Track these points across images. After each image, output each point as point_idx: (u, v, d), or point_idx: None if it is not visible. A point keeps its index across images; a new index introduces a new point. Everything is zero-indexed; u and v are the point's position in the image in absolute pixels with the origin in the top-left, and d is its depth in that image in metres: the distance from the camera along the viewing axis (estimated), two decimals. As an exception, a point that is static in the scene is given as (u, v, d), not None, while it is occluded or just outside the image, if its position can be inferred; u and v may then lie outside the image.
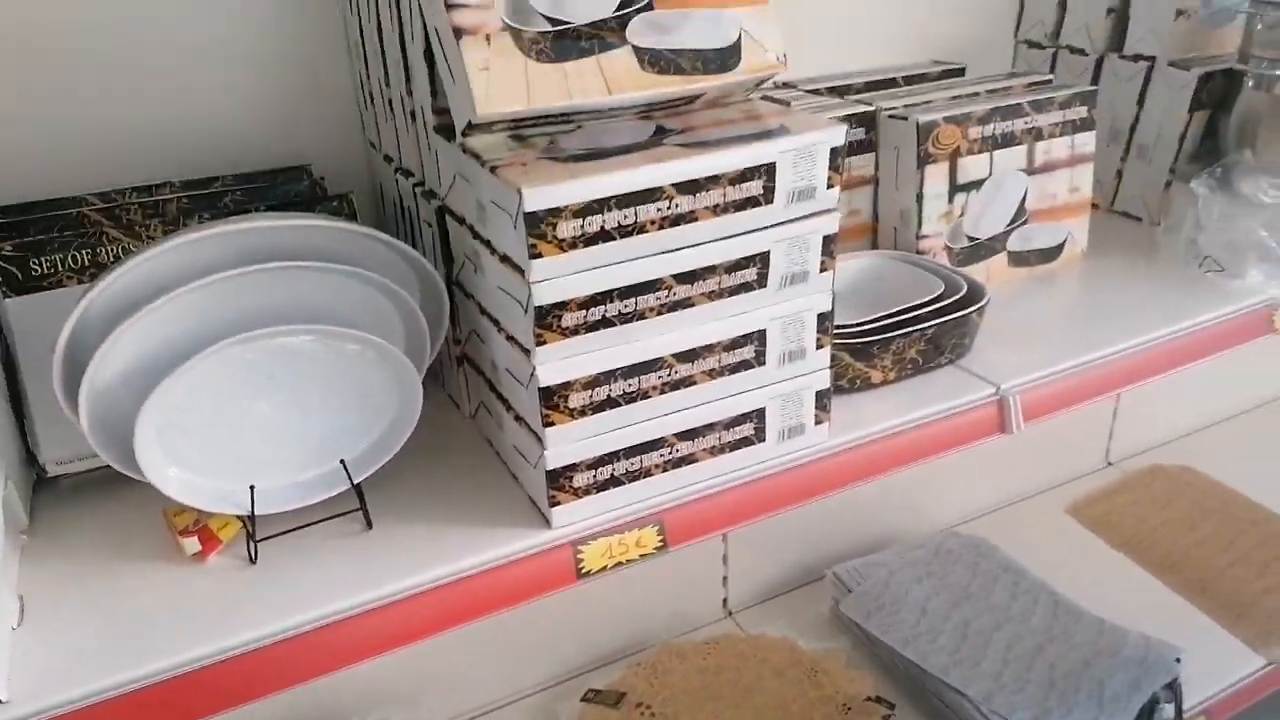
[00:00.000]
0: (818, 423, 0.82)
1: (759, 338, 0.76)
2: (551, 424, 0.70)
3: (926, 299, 0.92)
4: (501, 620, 0.68)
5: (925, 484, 1.54)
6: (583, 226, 0.64)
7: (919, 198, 1.05)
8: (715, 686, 1.31)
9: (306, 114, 1.00)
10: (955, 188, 1.06)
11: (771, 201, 0.71)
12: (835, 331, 0.88)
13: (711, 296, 0.72)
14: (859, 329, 0.88)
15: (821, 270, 0.76)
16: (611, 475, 0.74)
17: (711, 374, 0.75)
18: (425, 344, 0.76)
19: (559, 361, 0.68)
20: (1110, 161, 1.29)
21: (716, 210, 0.69)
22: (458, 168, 0.73)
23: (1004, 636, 1.33)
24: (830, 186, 0.73)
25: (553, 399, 0.69)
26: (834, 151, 0.72)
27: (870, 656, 1.35)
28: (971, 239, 1.09)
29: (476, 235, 0.73)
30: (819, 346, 0.79)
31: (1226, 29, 1.21)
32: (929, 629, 1.35)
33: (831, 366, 0.88)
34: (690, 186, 0.67)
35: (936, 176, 1.05)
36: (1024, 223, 1.12)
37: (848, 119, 1.05)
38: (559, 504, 0.72)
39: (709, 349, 0.74)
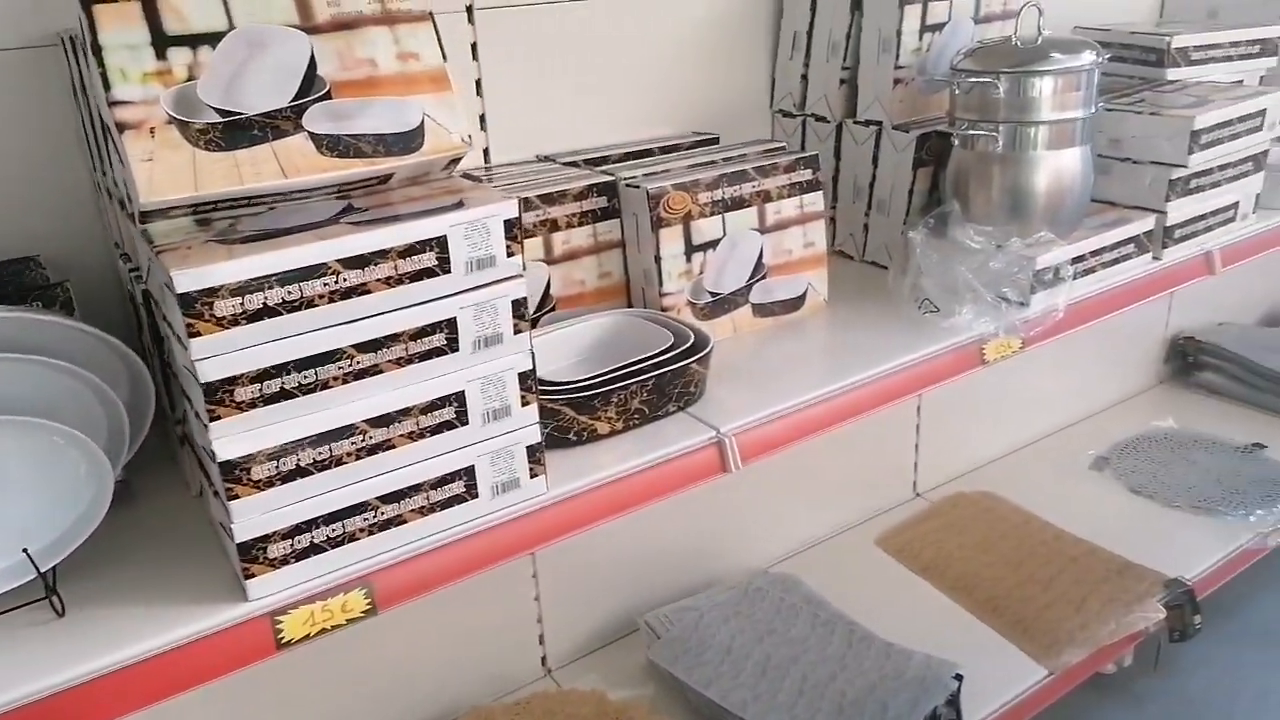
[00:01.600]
0: (533, 475, 0.86)
1: (458, 399, 0.80)
2: (236, 497, 0.71)
3: (650, 353, 0.98)
4: (306, 684, 0.68)
5: (741, 527, 1.61)
6: (243, 304, 0.67)
7: (657, 259, 1.12)
8: (518, 754, 1.32)
9: (42, 206, 1.00)
10: (691, 248, 1.14)
11: (449, 271, 0.75)
12: (559, 387, 0.93)
13: (400, 363, 0.76)
14: (579, 384, 0.93)
15: (516, 332, 0.81)
16: (311, 543, 0.75)
17: (411, 436, 0.78)
18: (124, 431, 0.77)
19: (238, 435, 0.70)
20: (857, 216, 1.40)
21: (390, 282, 0.73)
22: (145, 252, 0.76)
23: (800, 669, 1.39)
24: (511, 255, 0.78)
25: (234, 472, 0.71)
26: (509, 224, 0.77)
27: (680, 700, 1.39)
28: (714, 294, 1.17)
29: (164, 317, 0.75)
30: (525, 404, 0.84)
31: (942, 93, 1.34)
32: (731, 667, 1.40)
33: (555, 421, 0.93)
34: (357, 261, 0.71)
35: (672, 238, 1.12)
36: (763, 277, 1.20)
37: (590, 188, 1.12)
38: (253, 576, 0.74)
39: (404, 413, 0.77)
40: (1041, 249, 1.19)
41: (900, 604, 1.56)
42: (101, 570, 0.78)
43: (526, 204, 1.08)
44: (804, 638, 1.46)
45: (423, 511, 0.80)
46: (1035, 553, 1.66)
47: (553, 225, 1.10)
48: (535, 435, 0.85)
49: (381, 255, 0.72)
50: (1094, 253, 1.27)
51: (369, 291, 0.72)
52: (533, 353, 0.83)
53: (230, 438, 0.70)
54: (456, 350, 0.78)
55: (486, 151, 1.25)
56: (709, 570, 1.61)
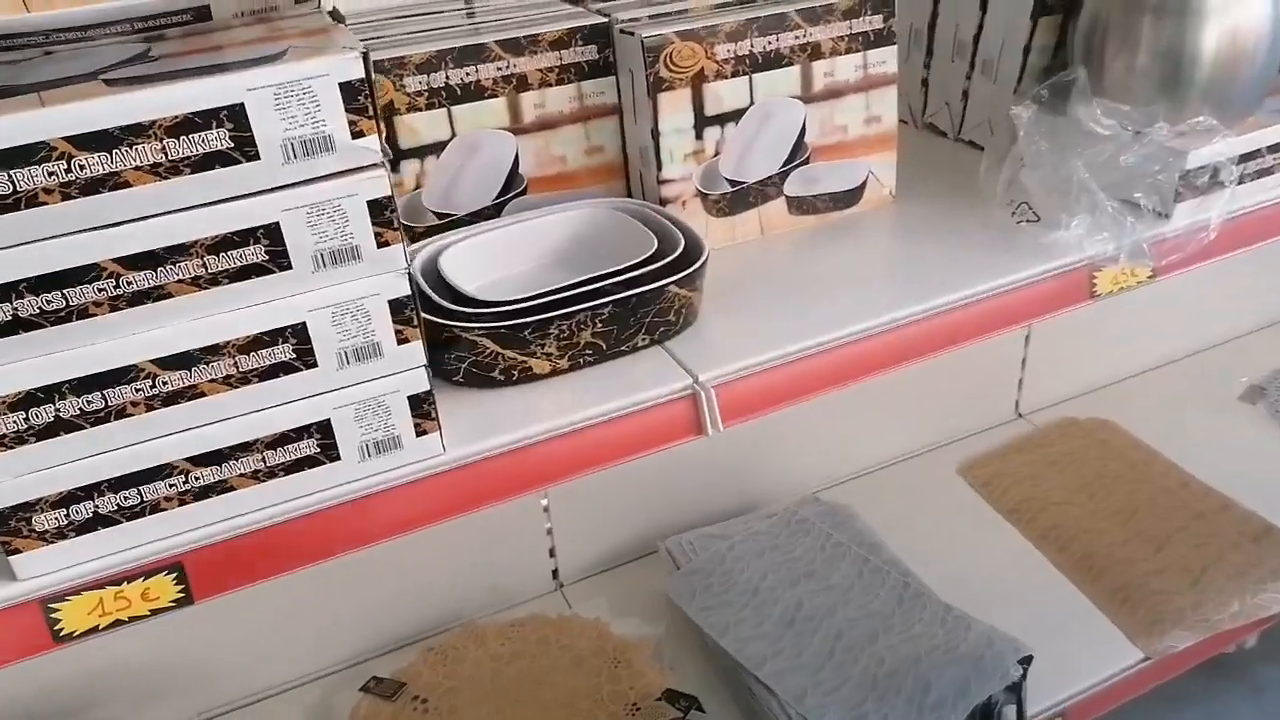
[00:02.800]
0: (421, 433, 0.64)
1: (296, 334, 0.58)
2: (-31, 451, 0.53)
3: (612, 268, 0.73)
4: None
5: (792, 439, 1.37)
6: (-80, 199, 0.47)
7: (655, 133, 0.84)
8: (504, 678, 1.17)
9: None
10: (704, 119, 0.85)
11: (255, 156, 0.52)
12: (481, 312, 0.70)
13: (199, 284, 0.54)
14: (499, 311, 0.70)
15: (381, 244, 0.58)
16: (95, 514, 0.57)
17: (229, 382, 0.58)
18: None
19: (-41, 375, 0.52)
20: (957, 79, 1.07)
21: (159, 171, 0.50)
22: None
23: (836, 623, 1.17)
24: (358, 135, 0.54)
25: (-38, 425, 0.52)
26: (349, 89, 0.53)
27: (693, 641, 1.21)
28: (734, 182, 0.89)
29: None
30: (403, 340, 0.61)
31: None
32: (755, 613, 1.20)
33: (474, 355, 0.70)
34: (98, 139, 0.49)
35: (676, 106, 0.84)
36: (805, 161, 0.91)
37: (573, 33, 0.85)
38: (18, 552, 0.56)
39: (212, 351, 0.56)
40: (1198, 139, 0.84)
41: (974, 551, 1.30)
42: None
43: (481, 52, 0.82)
44: (847, 586, 1.24)
45: (257, 477, 0.61)
46: (1153, 502, 1.35)
47: (520, 83, 0.84)
48: (421, 382, 0.63)
49: (137, 131, 0.49)
50: (1274, 148, 0.91)
51: (127, 184, 0.50)
52: (410, 274, 0.60)
53: (-51, 378, 0.51)
54: (287, 268, 0.56)
55: (465, -19, 0.98)
56: (749, 491, 1.39)
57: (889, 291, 0.82)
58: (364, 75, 0.53)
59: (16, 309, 0.51)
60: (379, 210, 0.57)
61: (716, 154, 0.87)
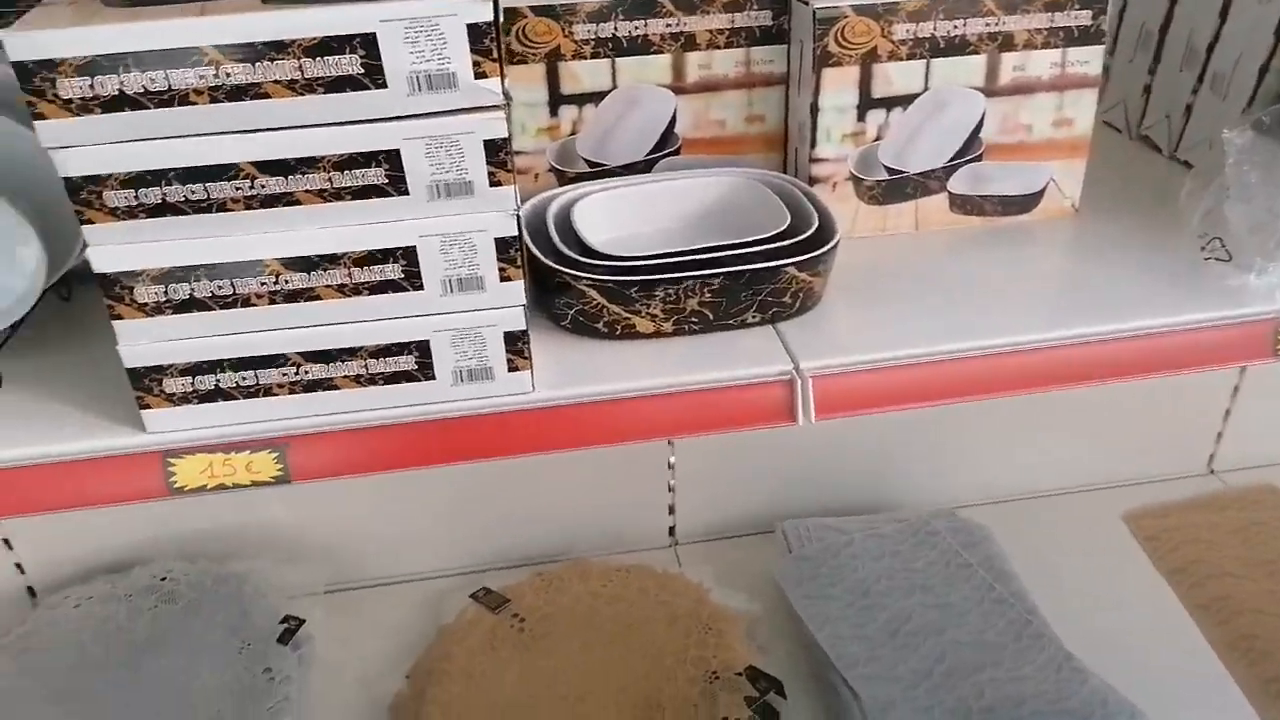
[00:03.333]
0: (513, 369, 0.67)
1: (406, 256, 0.62)
2: (120, 317, 0.61)
3: (735, 240, 0.72)
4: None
5: (951, 445, 1.31)
6: (92, 87, 0.53)
7: (814, 109, 0.81)
8: (601, 617, 1.21)
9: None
10: (869, 101, 0.82)
11: (382, 84, 0.55)
12: (593, 263, 0.71)
13: (323, 196, 0.59)
14: (616, 266, 0.70)
15: (494, 184, 0.60)
16: (217, 386, 0.64)
17: (343, 290, 0.62)
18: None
19: (114, 247, 0.58)
20: (1181, 92, 0.95)
21: (295, 87, 0.55)
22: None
23: (943, 644, 1.12)
24: (482, 76, 0.56)
25: (115, 289, 0.60)
26: (476, 31, 0.55)
27: (789, 629, 1.20)
28: (892, 170, 0.85)
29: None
30: (505, 279, 0.64)
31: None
32: (859, 615, 1.17)
33: (582, 304, 0.72)
34: (246, 51, 0.53)
35: (840, 84, 0.81)
36: (977, 158, 0.85)
37: (751, -5, 0.83)
38: (149, 408, 0.64)
39: (331, 260, 0.61)
40: None
41: (1118, 606, 1.19)
42: (40, 363, 0.74)
43: (653, 8, 0.82)
44: (964, 609, 1.17)
45: (360, 381, 0.66)
46: (1347, 601, 1.19)
47: (689, 42, 0.84)
48: (518, 320, 0.65)
49: (279, 48, 0.53)
50: None
51: (266, 95, 0.55)
52: (519, 216, 0.62)
53: (106, 248, 0.59)
54: (404, 193, 0.60)
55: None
56: (883, 491, 1.34)
57: (1034, 309, 0.76)
58: (492, 18, 0.55)
59: (165, 194, 0.57)
60: (495, 150, 0.59)
61: (878, 138, 0.83)
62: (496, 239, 0.62)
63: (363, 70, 0.55)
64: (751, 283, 0.72)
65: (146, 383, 0.63)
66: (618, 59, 0.83)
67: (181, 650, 1.08)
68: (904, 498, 1.35)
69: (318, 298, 0.62)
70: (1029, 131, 0.85)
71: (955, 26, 0.80)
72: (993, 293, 0.79)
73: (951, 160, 0.85)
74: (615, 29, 0.82)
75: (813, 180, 0.84)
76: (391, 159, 0.58)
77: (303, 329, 0.63)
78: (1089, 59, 0.82)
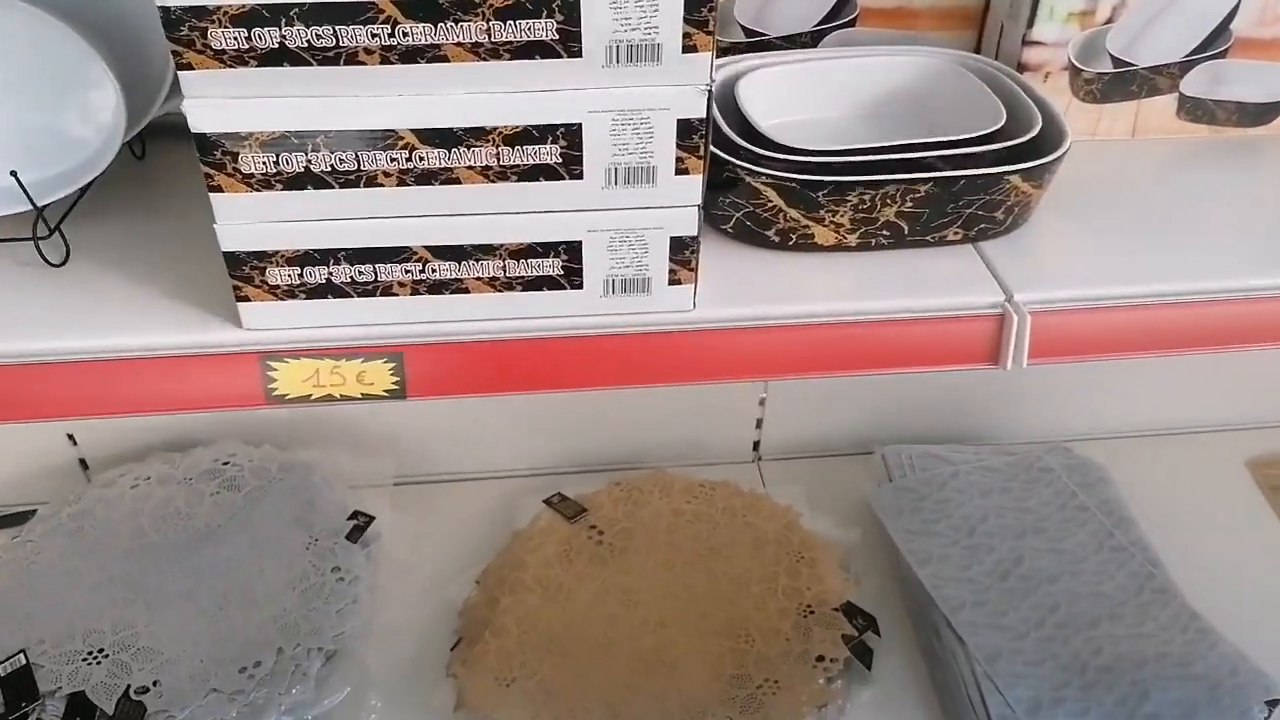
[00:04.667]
0: (674, 281, 0.55)
1: (567, 134, 0.49)
2: (219, 189, 0.49)
3: (945, 138, 0.59)
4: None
5: (1065, 375, 1.18)
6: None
7: (1039, -22, 0.67)
8: (681, 535, 1.13)
9: None
10: (1108, -27, 0.67)
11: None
12: (774, 157, 0.59)
13: (476, 52, 0.46)
14: (804, 161, 0.58)
15: (687, 49, 0.47)
16: (329, 280, 0.53)
17: (487, 174, 0.50)
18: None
19: (216, 100, 0.47)
20: None
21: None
22: None
23: (1057, 593, 1.03)
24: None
25: (214, 153, 0.48)
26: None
27: (885, 563, 1.12)
28: (1119, 61, 0.70)
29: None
30: (682, 170, 0.51)
31: None
32: (965, 554, 1.08)
33: (752, 204, 0.60)
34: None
35: (1078, -52, 0.66)
36: (1221, 54, 0.70)
37: None
38: (247, 300, 0.53)
39: (477, 134, 0.49)
40: None
41: (1245, 562, 1.10)
42: (113, 232, 0.63)
43: None
44: (1080, 556, 1.08)
45: (496, 285, 0.54)
46: None
47: (886, -116, 0.68)
48: (690, 223, 0.53)
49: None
50: None
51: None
52: (711, 92, 0.49)
53: (206, 100, 0.47)
54: (576, 55, 0.47)
55: None
56: (991, 421, 1.23)
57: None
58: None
59: (285, 36, 0.45)
60: (698, 7, 0.46)
61: (1109, 20, 0.68)
62: (679, 120, 0.50)
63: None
64: (965, 191, 0.59)
65: (247, 271, 0.52)
66: (799, -97, 0.69)
67: (244, 541, 1.01)
68: (1013, 427, 1.24)
69: (456, 180, 0.50)
70: (1291, 25, 0.70)
71: (1233, -118, 0.64)
72: (1228, 223, 0.66)
73: (1191, 54, 0.70)
74: None
75: (1022, 67, 0.70)
76: (566, 6, 0.45)
77: (434, 217, 0.51)
78: (1388, -64, 0.66)
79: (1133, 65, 0.70)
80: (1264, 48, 0.70)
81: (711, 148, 0.59)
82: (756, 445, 1.24)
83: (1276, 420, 1.27)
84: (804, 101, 0.69)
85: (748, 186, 0.59)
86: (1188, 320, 0.60)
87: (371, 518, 1.06)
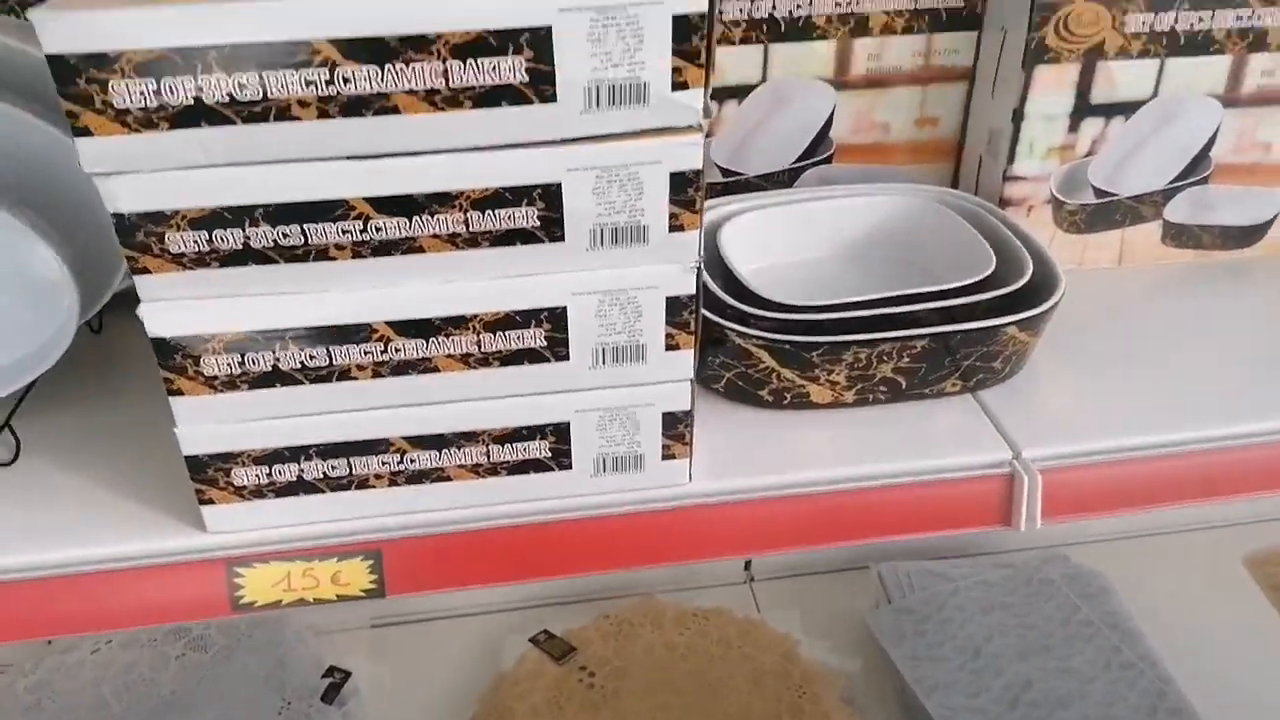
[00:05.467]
0: (668, 456, 0.52)
1: (552, 318, 0.47)
2: (179, 393, 0.46)
3: (939, 288, 0.57)
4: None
5: None
6: (158, 92, 0.38)
7: (1017, 115, 0.66)
8: (676, 674, 1.08)
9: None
10: (1086, 107, 0.66)
11: (552, 98, 0.40)
12: (760, 317, 0.56)
13: (454, 242, 0.44)
14: (793, 318, 0.56)
15: (674, 228, 0.45)
16: (299, 477, 0.49)
17: (467, 361, 0.47)
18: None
19: (175, 303, 0.43)
20: None
21: (433, 100, 0.39)
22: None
23: (1070, 718, 1.00)
24: (679, 89, 0.41)
25: (174, 357, 0.45)
26: (683, 25, 0.39)
27: (893, 689, 1.07)
28: (1101, 192, 0.69)
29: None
30: (672, 346, 0.49)
31: None
32: (972, 679, 1.04)
33: (743, 365, 0.57)
34: (370, 50, 0.38)
35: (1056, 85, 0.65)
36: (1202, 180, 0.70)
37: (937, -27, 0.67)
38: (211, 502, 0.49)
39: (456, 322, 0.46)
40: None
41: (1253, 668, 1.07)
42: (67, 422, 0.59)
43: (821, -15, 0.66)
44: (1089, 675, 1.05)
45: (477, 471, 0.51)
46: None
47: (859, 25, 0.68)
48: (683, 399, 0.51)
49: (417, 45, 0.38)
50: None
51: (395, 109, 0.40)
52: (700, 269, 0.47)
53: (164, 304, 0.43)
54: (559, 239, 0.45)
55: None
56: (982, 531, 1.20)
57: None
58: (707, 10, 0.39)
59: (249, 238, 0.42)
60: (683, 186, 0.44)
61: (1089, 153, 0.68)
62: (668, 298, 0.47)
63: (526, 76, 0.39)
64: (962, 345, 0.57)
65: (210, 473, 0.48)
66: (771, 44, 0.68)
67: (213, 708, 0.95)
68: (1006, 534, 1.21)
69: (435, 369, 0.47)
70: (1266, 151, 0.69)
71: (1200, 19, 0.64)
72: (1227, 355, 0.64)
73: (1172, 182, 0.70)
74: (772, 6, 0.66)
75: (1003, 202, 0.69)
76: (547, 195, 0.43)
77: (412, 407, 0.48)
78: (1356, 64, 0.67)
79: (1116, 195, 0.70)
80: (1244, 173, 0.70)
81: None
82: (748, 564, 1.19)
83: (1270, 514, 1.25)
84: (787, 245, 0.67)
85: (739, 348, 0.57)
86: (1203, 468, 0.58)
87: (347, 674, 1.00)
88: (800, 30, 0.68)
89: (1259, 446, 0.58)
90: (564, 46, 0.39)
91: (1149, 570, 1.18)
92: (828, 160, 0.73)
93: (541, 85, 0.40)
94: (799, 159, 0.73)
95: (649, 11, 0.39)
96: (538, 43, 0.39)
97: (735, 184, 0.73)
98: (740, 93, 0.69)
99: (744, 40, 0.67)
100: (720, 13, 0.66)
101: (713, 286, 0.58)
